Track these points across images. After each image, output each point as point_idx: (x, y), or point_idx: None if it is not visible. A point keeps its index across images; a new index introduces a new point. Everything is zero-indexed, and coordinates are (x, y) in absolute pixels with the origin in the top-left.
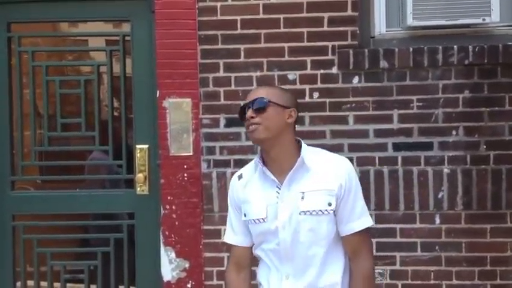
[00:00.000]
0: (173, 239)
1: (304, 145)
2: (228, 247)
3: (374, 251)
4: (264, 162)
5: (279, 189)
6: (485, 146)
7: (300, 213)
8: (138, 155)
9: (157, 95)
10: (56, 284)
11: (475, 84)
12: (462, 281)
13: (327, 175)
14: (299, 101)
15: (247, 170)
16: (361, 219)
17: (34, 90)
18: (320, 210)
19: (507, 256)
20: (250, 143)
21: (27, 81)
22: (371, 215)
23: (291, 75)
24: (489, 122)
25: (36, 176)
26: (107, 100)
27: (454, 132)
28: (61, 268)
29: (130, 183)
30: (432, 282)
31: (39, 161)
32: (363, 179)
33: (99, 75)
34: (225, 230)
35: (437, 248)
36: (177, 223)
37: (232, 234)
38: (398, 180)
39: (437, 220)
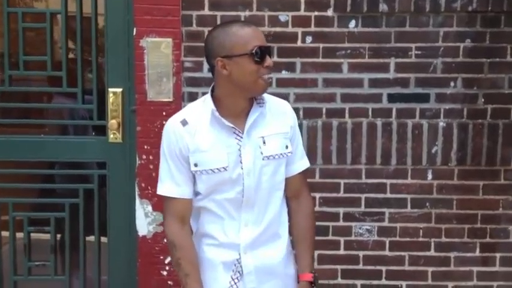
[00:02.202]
0: (150, 192)
1: None
2: (166, 201)
3: (363, 206)
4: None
5: (238, 135)
6: (483, 100)
7: (263, 159)
8: (111, 99)
9: (134, 32)
10: (19, 234)
11: (477, 33)
12: (451, 238)
13: (279, 118)
14: (291, 45)
15: (191, 115)
16: (303, 159)
17: None
18: (281, 154)
19: (498, 214)
20: None
21: None
22: (361, 169)
23: (283, 16)
24: (489, 73)
25: None
26: (77, 37)
27: (452, 84)
28: (24, 219)
29: (102, 130)
30: (421, 239)
31: None
32: (355, 131)
33: (67, 7)
34: None
35: (427, 204)
36: (154, 174)
37: (175, 186)
38: (391, 133)
39: (430, 176)
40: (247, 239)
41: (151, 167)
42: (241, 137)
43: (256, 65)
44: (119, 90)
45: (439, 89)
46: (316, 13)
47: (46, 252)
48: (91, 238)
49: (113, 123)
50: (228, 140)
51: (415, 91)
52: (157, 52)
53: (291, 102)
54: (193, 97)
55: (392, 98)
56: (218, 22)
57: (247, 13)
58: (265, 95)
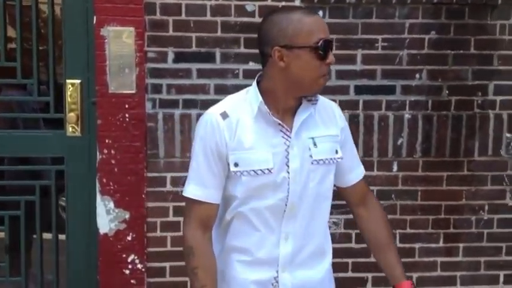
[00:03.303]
0: (112, 188)
1: None
2: (190, 204)
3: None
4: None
5: (286, 134)
6: (447, 91)
7: (312, 163)
8: (69, 91)
9: (94, 21)
10: None
11: (441, 25)
12: (416, 229)
13: (328, 119)
14: (255, 36)
15: (233, 107)
16: (361, 165)
17: None
18: (331, 159)
19: (461, 204)
20: (201, 81)
21: None
22: None
23: (250, 6)
24: (453, 65)
25: None
26: (32, 24)
27: (417, 76)
28: None
29: (59, 124)
30: None
31: None
32: None
33: None
34: (171, 177)
35: (393, 196)
36: (116, 169)
37: (202, 189)
38: (358, 125)
39: (395, 167)
40: (287, 254)
41: (113, 161)
42: (290, 137)
43: (318, 60)
44: (78, 81)
45: (404, 81)
46: (283, 3)
47: (0, 252)
48: (48, 236)
49: (71, 116)
50: (275, 139)
51: (382, 83)
52: (119, 42)
53: None
54: (157, 89)
55: (359, 90)
56: (183, 11)
57: (213, 2)
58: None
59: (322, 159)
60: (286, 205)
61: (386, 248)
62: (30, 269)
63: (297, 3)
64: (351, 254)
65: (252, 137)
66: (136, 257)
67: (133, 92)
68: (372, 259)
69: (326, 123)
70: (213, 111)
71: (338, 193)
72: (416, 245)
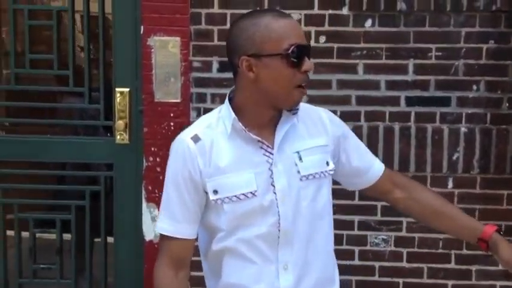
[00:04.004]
0: (156, 195)
1: None
2: (161, 239)
3: (379, 215)
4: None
5: (267, 151)
6: (508, 104)
7: (301, 179)
8: (118, 99)
9: (141, 31)
10: (25, 233)
11: (500, 34)
12: (473, 251)
13: (314, 128)
14: None
15: (203, 130)
16: (376, 158)
17: None
18: (321, 172)
19: None
20: None
21: None
22: None
23: (296, 14)
24: None
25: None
26: (83, 34)
27: (474, 87)
28: (30, 220)
29: (109, 131)
30: (440, 251)
31: (5, 101)
32: (371, 135)
33: (74, 5)
34: None
35: None
36: (161, 177)
37: (173, 223)
38: (410, 138)
39: (450, 184)
40: (289, 286)
41: (158, 169)
42: (272, 153)
43: (292, 68)
44: (126, 90)
45: (460, 92)
46: (330, 11)
47: (52, 254)
48: (98, 240)
49: (120, 123)
50: (255, 158)
51: (435, 94)
52: (165, 51)
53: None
54: (201, 98)
55: (410, 101)
56: (228, 21)
57: None
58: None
59: (311, 174)
60: (279, 231)
61: (447, 208)
62: (80, 272)
63: (345, 11)
64: (402, 274)
65: (229, 158)
66: None
67: (178, 101)
68: (425, 280)
69: (312, 134)
70: (183, 136)
71: (385, 206)
72: (473, 268)
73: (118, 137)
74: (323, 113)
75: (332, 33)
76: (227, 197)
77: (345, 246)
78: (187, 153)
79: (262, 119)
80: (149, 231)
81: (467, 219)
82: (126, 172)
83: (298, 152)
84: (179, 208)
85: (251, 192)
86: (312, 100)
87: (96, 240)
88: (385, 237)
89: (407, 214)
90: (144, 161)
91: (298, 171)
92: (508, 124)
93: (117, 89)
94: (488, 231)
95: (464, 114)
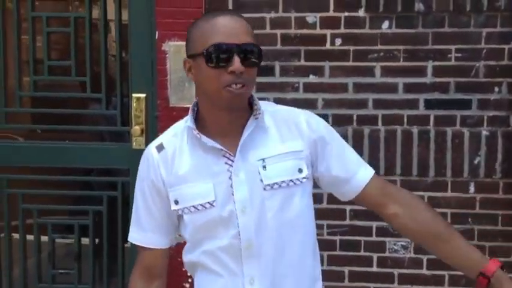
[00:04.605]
0: None
1: (255, 98)
2: (136, 249)
3: None
4: (197, 127)
5: (229, 159)
6: None
7: (264, 188)
8: (134, 104)
9: (156, 36)
10: (44, 238)
11: None
12: (496, 257)
13: (287, 132)
14: (319, 48)
15: (168, 139)
16: (361, 167)
17: (18, 28)
18: (291, 180)
19: None
20: (261, 95)
21: (10, 18)
22: (395, 180)
23: (311, 17)
24: None
25: (21, 124)
26: (100, 40)
27: (496, 89)
28: (49, 225)
29: (125, 137)
30: None
31: (24, 107)
32: (389, 139)
33: (91, 11)
34: None
35: (470, 220)
36: None
37: (140, 232)
38: (429, 142)
39: (472, 189)
40: None
41: None
42: (233, 161)
43: (214, 69)
44: (143, 95)
45: (481, 95)
46: (346, 14)
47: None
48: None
49: (136, 129)
50: (216, 167)
51: (455, 97)
52: (180, 56)
53: (319, 109)
54: None
55: (429, 104)
56: None
57: (273, 15)
58: (265, 103)
59: (277, 183)
60: (241, 243)
61: (448, 233)
62: (97, 277)
63: (361, 14)
64: (422, 281)
65: (188, 168)
66: None
67: None
68: (446, 287)
69: (285, 138)
70: (150, 145)
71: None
72: None
73: (134, 142)
74: (302, 116)
75: (348, 35)
76: (186, 207)
77: (362, 253)
78: (150, 162)
79: (221, 124)
80: None
81: (470, 249)
82: None
83: (263, 160)
84: (145, 217)
85: (209, 203)
86: (328, 104)
87: (114, 245)
88: (404, 243)
89: (403, 234)
90: None
91: (261, 180)
92: None
93: (134, 95)
94: (492, 267)
95: (485, 117)
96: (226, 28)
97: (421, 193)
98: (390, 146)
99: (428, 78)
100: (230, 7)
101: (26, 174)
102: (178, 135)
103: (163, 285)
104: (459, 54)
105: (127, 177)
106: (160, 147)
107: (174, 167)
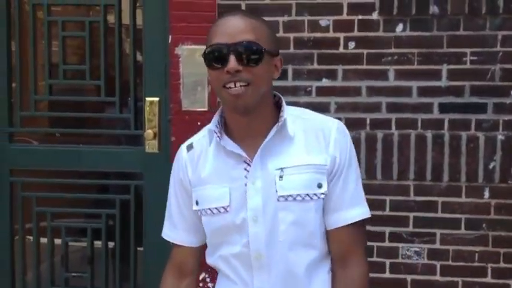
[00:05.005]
0: None
1: (284, 104)
2: (171, 246)
3: (411, 226)
4: (225, 130)
5: (249, 165)
6: None
7: (278, 199)
8: (148, 108)
9: (169, 40)
10: (57, 240)
11: None
12: (511, 264)
13: (313, 143)
14: (333, 51)
15: (199, 139)
16: (354, 208)
17: (34, 32)
18: (307, 195)
19: None
20: None
21: (26, 22)
22: (409, 185)
23: (324, 21)
24: None
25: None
26: (115, 45)
27: None
28: (62, 228)
29: (138, 140)
30: (476, 264)
31: (40, 111)
32: (402, 143)
33: (106, 16)
34: None
35: (484, 226)
36: None
37: (172, 229)
38: (443, 146)
39: (487, 194)
40: None
41: None
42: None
43: (213, 70)
44: (156, 99)
45: (497, 99)
46: (359, 17)
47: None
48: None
49: (149, 133)
50: (234, 171)
51: (471, 100)
52: (193, 60)
53: (332, 113)
54: None
55: (444, 108)
56: None
57: (286, 18)
58: (297, 110)
59: (291, 195)
60: (250, 252)
61: None
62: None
63: (374, 17)
64: None
65: (210, 170)
66: (207, 275)
67: (205, 109)
68: None
69: (310, 149)
70: (183, 144)
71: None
72: (511, 282)
73: (147, 146)
74: (334, 130)
75: (361, 38)
76: (204, 209)
77: (375, 259)
78: (180, 161)
79: (240, 128)
80: None
81: None
82: (156, 181)
83: (281, 169)
84: (176, 214)
85: (223, 207)
86: (341, 107)
87: (127, 248)
88: (417, 249)
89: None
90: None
91: (276, 190)
92: None
93: (147, 99)
94: None
95: (501, 121)
96: (224, 28)
97: (435, 198)
98: (404, 150)
99: (443, 82)
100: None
101: (40, 178)
102: (207, 136)
103: (193, 283)
104: (474, 58)
105: (140, 180)
106: (189, 147)
107: (198, 167)
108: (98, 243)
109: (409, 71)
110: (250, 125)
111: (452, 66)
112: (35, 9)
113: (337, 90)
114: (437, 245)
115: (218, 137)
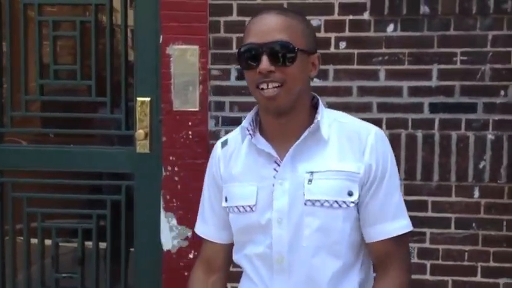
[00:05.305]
0: (175, 204)
1: (321, 106)
2: (201, 240)
3: None
4: (259, 129)
5: (279, 166)
6: None
7: (305, 203)
8: (139, 108)
9: (160, 40)
10: (48, 241)
11: None
12: (500, 263)
13: (348, 149)
14: (324, 51)
15: (234, 136)
16: (397, 220)
17: (25, 32)
18: (336, 202)
19: None
20: None
21: (17, 22)
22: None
23: (315, 20)
24: None
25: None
26: (106, 45)
27: (502, 93)
28: (53, 229)
29: (129, 141)
30: (466, 263)
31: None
32: (393, 143)
33: (97, 16)
34: None
35: (474, 225)
36: (179, 187)
37: (203, 224)
38: (433, 146)
39: (476, 193)
40: None
41: (176, 178)
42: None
43: (247, 70)
44: (147, 99)
45: (487, 98)
46: (351, 17)
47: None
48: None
49: (140, 133)
50: (264, 170)
51: (461, 100)
52: (184, 60)
53: None
54: (220, 106)
55: (434, 107)
56: None
57: None
58: (336, 113)
59: (319, 200)
60: (272, 254)
61: None
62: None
63: (365, 17)
64: (425, 287)
65: (241, 167)
66: None
67: (196, 109)
68: None
69: (343, 155)
70: (220, 139)
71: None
72: (501, 281)
73: (138, 146)
74: (372, 136)
75: (352, 38)
76: (231, 206)
77: None
78: (214, 156)
79: (273, 128)
80: (167, 242)
81: None
82: (147, 182)
83: (311, 173)
84: (208, 209)
85: (249, 206)
86: (332, 107)
87: (118, 249)
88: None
89: None
90: (163, 170)
91: (303, 193)
92: None
93: (138, 99)
94: None
95: (491, 121)
96: (257, 27)
97: (425, 197)
98: (394, 149)
99: (434, 82)
100: (235, 11)
101: (30, 178)
102: (239, 135)
103: (221, 280)
104: (465, 58)
105: (131, 181)
106: (224, 143)
107: (230, 164)
108: (88, 244)
109: (399, 71)
110: (284, 126)
111: (442, 66)
112: (26, 8)
113: (328, 90)
114: (427, 244)
115: (250, 134)
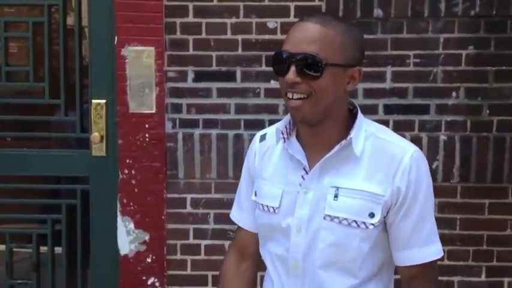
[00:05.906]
0: (132, 208)
1: (360, 118)
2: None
3: None
4: (296, 133)
5: (307, 174)
6: (488, 111)
7: (324, 217)
8: (94, 111)
9: (115, 41)
10: (1, 247)
11: (480, 39)
12: (455, 261)
13: (378, 170)
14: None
15: (275, 130)
16: (428, 246)
17: None
18: (355, 221)
19: (506, 235)
20: (222, 100)
21: None
22: None
23: (271, 23)
24: (494, 83)
25: None
26: (60, 46)
27: (454, 94)
28: (6, 234)
29: (85, 143)
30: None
31: None
32: None
33: (50, 16)
34: (191, 199)
35: None
36: (136, 190)
37: (238, 211)
38: None
39: None
40: None
41: (133, 182)
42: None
43: (280, 76)
44: (103, 101)
45: (439, 100)
46: None
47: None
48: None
49: (95, 136)
50: (292, 175)
51: (414, 102)
52: (139, 62)
53: (280, 114)
54: (177, 108)
55: (389, 109)
56: (203, 30)
57: (234, 20)
58: (377, 127)
59: (338, 217)
60: (289, 258)
61: None
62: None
63: None
64: None
65: (272, 167)
66: (156, 280)
67: (153, 111)
68: None
69: (372, 174)
70: (260, 132)
71: None
72: (455, 279)
73: (94, 149)
74: (406, 157)
75: None
76: (258, 203)
77: None
78: (252, 148)
79: (305, 136)
80: (124, 246)
81: None
82: (103, 185)
83: (337, 188)
84: (244, 197)
85: (273, 208)
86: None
87: (74, 254)
88: None
89: None
90: (120, 173)
91: (325, 207)
92: (488, 132)
93: (93, 101)
94: None
95: (443, 122)
96: (293, 34)
97: None
98: None
99: (387, 84)
100: (191, 12)
101: None
102: (275, 134)
103: (253, 267)
104: (417, 60)
105: (87, 184)
106: (263, 138)
107: (263, 160)
108: (44, 249)
109: None
110: (315, 136)
111: (396, 68)
112: None
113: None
114: None
115: (284, 138)
